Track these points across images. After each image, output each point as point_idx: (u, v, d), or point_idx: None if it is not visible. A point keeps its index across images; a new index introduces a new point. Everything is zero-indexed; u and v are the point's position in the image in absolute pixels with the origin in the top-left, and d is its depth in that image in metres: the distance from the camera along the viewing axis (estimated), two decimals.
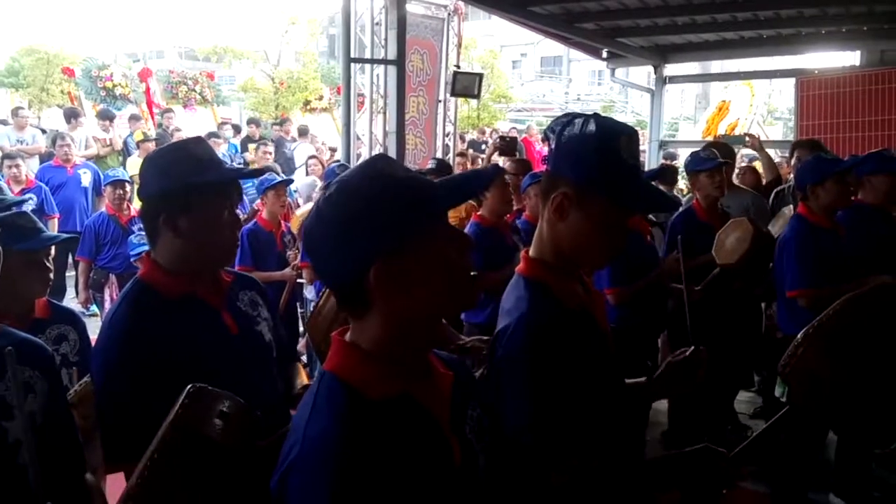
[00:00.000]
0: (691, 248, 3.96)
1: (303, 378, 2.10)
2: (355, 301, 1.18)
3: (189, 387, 1.49)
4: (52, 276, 2.42)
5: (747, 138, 6.74)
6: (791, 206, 4.63)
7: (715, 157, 4.30)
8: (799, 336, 1.67)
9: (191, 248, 1.79)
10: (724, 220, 4.31)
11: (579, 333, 1.58)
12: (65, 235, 2.74)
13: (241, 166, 3.10)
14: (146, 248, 5.33)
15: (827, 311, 1.65)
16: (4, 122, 9.78)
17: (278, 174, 5.99)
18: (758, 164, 6.91)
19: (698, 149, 4.63)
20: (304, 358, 5.32)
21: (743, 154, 9.01)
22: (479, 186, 1.23)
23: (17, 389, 1.45)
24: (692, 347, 1.80)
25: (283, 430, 1.66)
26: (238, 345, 1.85)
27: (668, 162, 9.65)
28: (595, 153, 1.52)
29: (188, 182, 1.75)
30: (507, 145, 6.73)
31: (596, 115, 1.59)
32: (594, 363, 1.60)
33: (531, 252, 1.68)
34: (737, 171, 7.70)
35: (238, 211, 1.93)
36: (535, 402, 1.49)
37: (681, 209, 4.50)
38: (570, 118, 1.60)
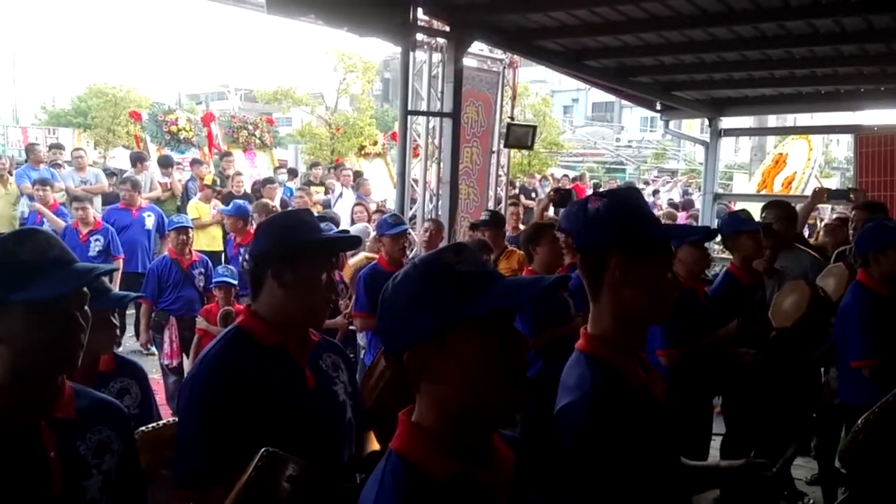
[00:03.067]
0: (738, 312, 3.93)
1: (374, 445, 2.16)
2: (405, 376, 1.24)
3: (262, 450, 1.57)
4: (118, 332, 2.51)
5: (852, 195, 6.43)
6: (840, 264, 4.54)
7: (751, 218, 4.30)
8: (859, 422, 1.67)
9: (292, 300, 1.95)
10: (762, 279, 4.26)
11: (641, 413, 1.61)
12: (133, 295, 2.86)
13: (338, 232, 3.35)
14: (227, 279, 5.52)
15: (886, 398, 1.64)
16: (69, 163, 10.11)
17: (335, 224, 6.12)
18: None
19: (753, 205, 4.61)
20: None
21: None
22: (536, 294, 1.25)
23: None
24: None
25: (347, 486, 1.73)
26: (313, 400, 1.96)
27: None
28: (629, 215, 1.67)
29: (298, 240, 1.96)
30: (562, 198, 6.72)
31: (603, 192, 1.77)
32: (654, 443, 1.62)
33: (590, 329, 1.72)
34: (823, 225, 7.45)
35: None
36: (596, 482, 1.51)
37: (719, 278, 4.46)
38: (573, 206, 1.76)
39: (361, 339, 5.69)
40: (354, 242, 2.41)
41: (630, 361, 1.69)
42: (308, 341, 2.03)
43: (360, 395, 2.18)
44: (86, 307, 1.58)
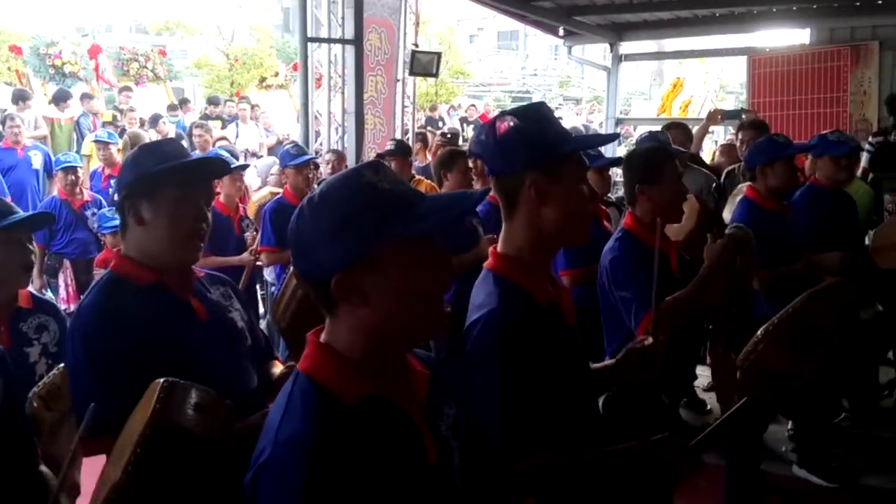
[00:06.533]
0: None
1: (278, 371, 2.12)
2: (323, 301, 1.20)
3: (162, 381, 1.52)
4: (33, 258, 2.41)
5: (744, 115, 6.81)
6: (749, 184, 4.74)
7: (669, 141, 4.42)
8: (759, 332, 1.72)
9: (154, 238, 1.84)
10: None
11: (548, 329, 1.63)
12: (34, 213, 2.75)
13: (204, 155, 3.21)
14: (117, 224, 5.40)
15: (785, 309, 1.70)
16: None
17: (235, 157, 5.93)
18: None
19: (653, 129, 4.73)
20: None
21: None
22: (463, 211, 1.23)
23: None
24: (650, 338, 1.85)
25: (259, 414, 1.70)
26: (208, 331, 1.88)
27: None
28: (538, 132, 1.63)
29: (149, 171, 1.83)
30: (449, 142, 6.88)
31: (506, 111, 1.71)
32: (562, 358, 1.65)
33: (500, 248, 1.72)
34: (718, 146, 7.83)
35: None
36: (503, 396, 1.53)
37: None
38: (487, 126, 1.70)
39: (269, 274, 5.59)
40: (218, 167, 2.18)
41: (539, 280, 1.70)
42: (189, 275, 1.94)
43: (256, 324, 2.13)
44: None
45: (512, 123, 1.63)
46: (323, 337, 1.24)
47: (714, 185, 4.99)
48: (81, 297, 5.60)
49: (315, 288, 1.20)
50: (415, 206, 1.17)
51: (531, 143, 1.62)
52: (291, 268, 2.24)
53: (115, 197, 2.04)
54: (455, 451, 1.31)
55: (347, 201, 1.16)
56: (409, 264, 1.16)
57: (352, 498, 1.09)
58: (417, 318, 1.20)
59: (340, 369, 1.19)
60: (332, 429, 1.13)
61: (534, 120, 1.65)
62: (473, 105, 18.54)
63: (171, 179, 1.84)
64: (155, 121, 10.07)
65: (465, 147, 6.23)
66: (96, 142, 7.29)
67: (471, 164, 4.59)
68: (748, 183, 4.68)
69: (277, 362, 2.16)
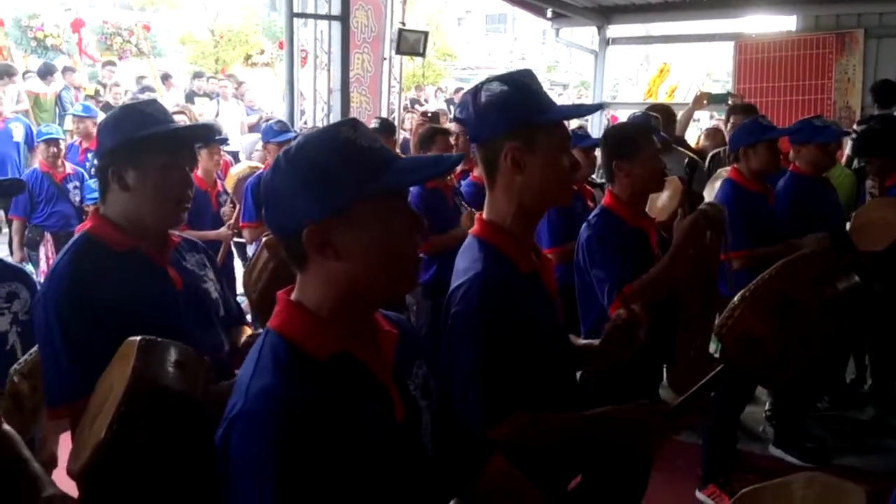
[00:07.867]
0: None
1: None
2: (294, 256, 1.22)
3: (139, 339, 1.51)
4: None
5: (730, 100, 6.89)
6: (730, 167, 4.75)
7: (660, 123, 4.43)
8: (736, 298, 1.72)
9: (138, 203, 1.82)
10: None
11: (529, 296, 1.65)
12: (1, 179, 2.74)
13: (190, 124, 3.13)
14: None
15: (763, 275, 1.70)
16: None
17: (218, 132, 5.88)
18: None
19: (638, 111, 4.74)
20: (248, 317, 5.28)
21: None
22: (439, 172, 1.26)
23: None
24: (623, 311, 1.85)
25: (229, 382, 1.69)
26: (183, 299, 1.88)
27: None
28: (519, 100, 1.63)
29: (135, 136, 1.80)
30: (430, 120, 6.96)
31: (494, 77, 1.70)
32: (541, 325, 1.67)
33: (485, 215, 1.73)
34: (703, 130, 7.89)
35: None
36: (485, 355, 1.55)
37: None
38: (471, 92, 1.70)
39: (252, 250, 5.57)
40: (205, 132, 2.17)
41: (522, 247, 1.72)
42: (168, 242, 1.92)
43: (229, 292, 2.12)
44: None
45: (494, 90, 1.64)
46: (293, 295, 1.25)
47: (686, 160, 4.99)
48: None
49: (286, 241, 1.21)
50: (392, 163, 1.19)
51: (509, 111, 1.62)
52: (264, 240, 2.25)
53: (95, 162, 1.99)
54: (424, 411, 1.32)
55: (325, 155, 1.17)
56: (383, 220, 1.18)
57: (322, 450, 1.10)
58: (388, 271, 1.21)
59: (309, 326, 1.21)
60: (302, 382, 1.15)
61: (515, 87, 1.65)
62: (461, 88, 18.45)
63: (159, 145, 1.82)
64: (143, 92, 9.97)
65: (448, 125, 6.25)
66: (74, 116, 7.17)
67: (452, 142, 4.58)
68: (726, 168, 4.71)
69: (247, 328, 2.15)
